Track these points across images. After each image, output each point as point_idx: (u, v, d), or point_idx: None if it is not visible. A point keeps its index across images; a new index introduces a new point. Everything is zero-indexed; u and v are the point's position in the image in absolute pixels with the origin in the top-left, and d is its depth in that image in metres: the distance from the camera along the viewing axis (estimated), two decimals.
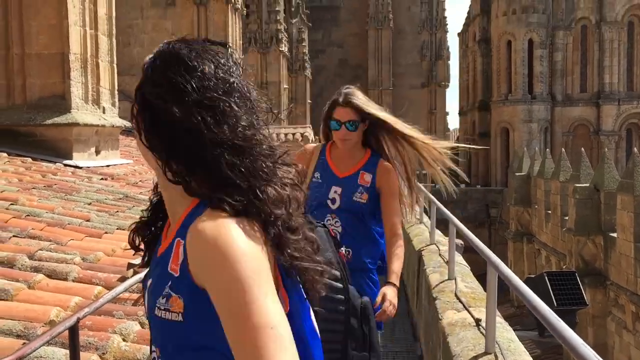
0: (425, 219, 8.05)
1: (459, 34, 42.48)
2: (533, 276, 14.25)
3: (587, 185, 15.84)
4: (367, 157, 2.80)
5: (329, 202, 2.77)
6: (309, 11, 38.22)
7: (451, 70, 45.40)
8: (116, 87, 8.61)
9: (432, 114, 43.90)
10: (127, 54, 15.10)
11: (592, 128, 32.20)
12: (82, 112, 7.62)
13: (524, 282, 2.45)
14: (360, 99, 2.71)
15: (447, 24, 44.76)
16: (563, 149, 22.03)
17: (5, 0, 7.43)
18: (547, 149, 25.04)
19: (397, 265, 2.72)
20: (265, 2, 28.50)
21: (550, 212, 19.39)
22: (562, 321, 1.82)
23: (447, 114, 45.76)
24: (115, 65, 8.51)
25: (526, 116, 31.53)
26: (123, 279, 3.62)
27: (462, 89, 42.16)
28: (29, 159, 7.08)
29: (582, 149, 20.02)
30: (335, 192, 2.76)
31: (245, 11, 21.40)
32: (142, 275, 2.83)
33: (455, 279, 4.38)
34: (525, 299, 2.14)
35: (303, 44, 34.86)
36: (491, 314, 2.82)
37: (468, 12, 39.89)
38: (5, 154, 6.97)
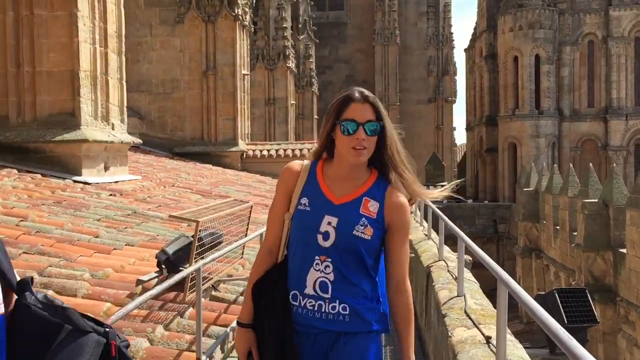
0: (434, 234, 8.03)
1: (465, 50, 42.56)
2: (543, 293, 14.14)
3: (596, 200, 15.76)
4: (374, 180, 2.13)
5: (319, 237, 2.05)
6: (316, 28, 38.47)
7: (458, 85, 45.53)
8: (125, 104, 8.67)
9: (439, 130, 43.99)
10: (136, 71, 15.23)
11: (600, 143, 32.10)
12: (91, 129, 7.67)
13: (533, 299, 2.44)
14: (377, 99, 2.12)
15: (453, 40, 44.98)
16: (571, 164, 21.96)
17: (17, 18, 7.53)
18: (555, 164, 24.96)
19: (410, 337, 2.09)
20: (273, 19, 28.72)
21: (558, 227, 19.28)
22: (574, 339, 1.80)
23: (454, 129, 45.82)
24: (124, 82, 8.58)
25: (533, 131, 31.47)
26: (131, 296, 3.63)
27: (469, 104, 42.19)
28: (39, 175, 7.12)
29: (590, 164, 19.94)
30: (329, 223, 2.05)
31: (252, 28, 21.58)
32: (152, 292, 2.83)
33: (464, 296, 4.35)
34: (536, 316, 2.12)
35: (310, 60, 35.06)
36: (502, 331, 2.80)
37: (474, 28, 40.02)
38: (15, 171, 7.02)
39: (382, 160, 2.13)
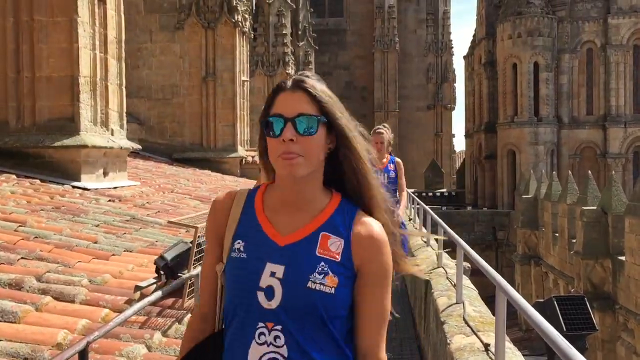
0: (432, 241, 8.02)
1: (464, 57, 42.70)
2: (542, 300, 14.12)
3: (595, 208, 15.78)
4: (335, 205, 1.46)
5: (260, 296, 1.38)
6: (316, 34, 38.58)
7: (457, 92, 45.67)
8: (125, 110, 8.68)
9: (438, 136, 44.11)
10: (135, 77, 15.26)
11: (599, 150, 32.16)
12: (90, 134, 7.68)
13: (532, 306, 2.43)
14: (321, 85, 1.45)
15: (452, 47, 45.17)
16: (570, 172, 21.99)
17: (17, 24, 7.55)
18: (554, 172, 24.99)
19: None
20: (273, 25, 28.80)
21: (557, 235, 19.28)
22: (573, 347, 1.80)
23: (453, 136, 45.95)
24: (124, 88, 8.59)
25: (532, 138, 31.54)
26: (130, 302, 3.62)
27: (468, 111, 42.27)
28: (38, 181, 7.12)
29: (589, 171, 19.97)
30: (273, 274, 1.38)
31: (252, 34, 21.63)
32: (150, 298, 2.83)
33: (463, 303, 4.35)
34: (535, 324, 2.12)
35: (310, 66, 35.12)
36: (500, 339, 2.80)
37: (474, 36, 40.14)
38: (14, 176, 7.01)
39: (342, 175, 1.47)
